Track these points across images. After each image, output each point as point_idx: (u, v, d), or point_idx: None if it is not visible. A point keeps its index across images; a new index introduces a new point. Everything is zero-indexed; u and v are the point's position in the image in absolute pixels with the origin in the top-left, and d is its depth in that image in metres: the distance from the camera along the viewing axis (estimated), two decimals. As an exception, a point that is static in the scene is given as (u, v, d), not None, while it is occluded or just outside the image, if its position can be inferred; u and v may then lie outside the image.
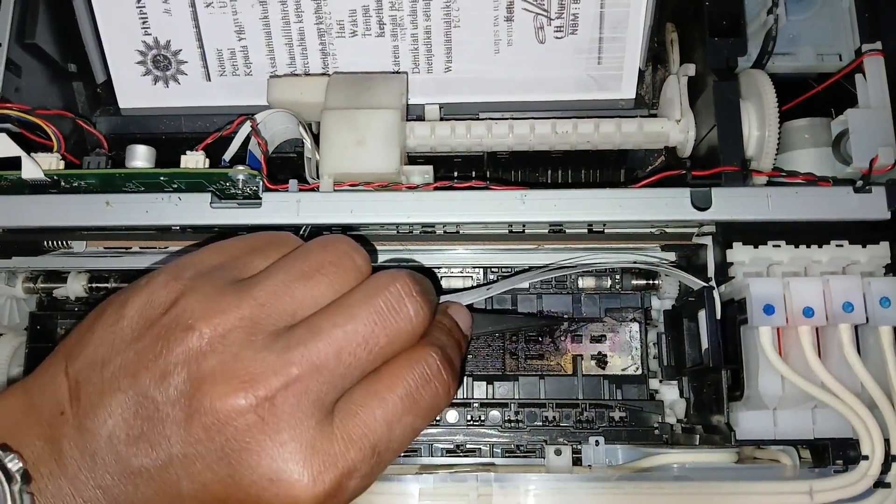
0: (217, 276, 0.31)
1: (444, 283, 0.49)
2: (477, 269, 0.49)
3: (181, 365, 0.28)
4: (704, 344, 0.42)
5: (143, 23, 0.48)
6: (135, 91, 0.50)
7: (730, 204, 0.41)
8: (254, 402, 0.28)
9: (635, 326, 0.49)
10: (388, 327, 0.30)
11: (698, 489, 0.39)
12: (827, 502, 0.38)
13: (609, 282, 0.49)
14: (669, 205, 0.41)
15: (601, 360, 0.49)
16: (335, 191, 0.43)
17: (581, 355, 0.49)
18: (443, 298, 0.40)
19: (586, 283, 0.49)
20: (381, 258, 0.47)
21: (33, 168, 0.41)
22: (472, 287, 0.47)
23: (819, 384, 0.39)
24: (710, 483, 0.39)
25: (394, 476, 0.40)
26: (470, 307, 0.39)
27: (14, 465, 0.28)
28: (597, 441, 0.45)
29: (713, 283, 0.42)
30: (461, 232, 0.45)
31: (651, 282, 0.49)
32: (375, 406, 0.30)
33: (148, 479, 0.28)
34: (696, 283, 0.43)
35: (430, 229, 0.45)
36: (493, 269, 0.49)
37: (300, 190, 0.42)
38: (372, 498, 0.38)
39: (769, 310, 0.39)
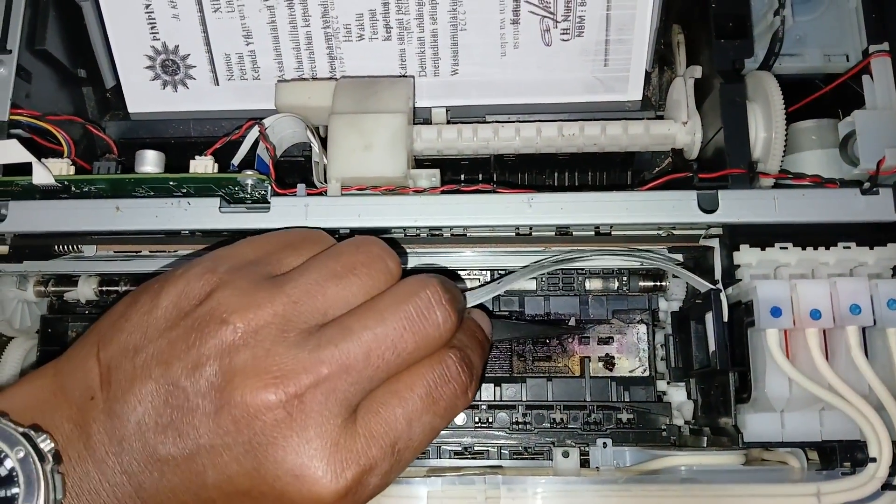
0: (252, 271, 0.32)
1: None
2: (484, 272, 0.49)
3: (213, 357, 0.29)
4: (712, 346, 0.42)
5: (152, 28, 0.48)
6: (144, 96, 0.50)
7: (736, 206, 0.41)
8: (283, 398, 0.28)
9: (643, 328, 0.49)
10: (417, 333, 0.31)
11: (706, 491, 0.39)
12: (835, 504, 0.38)
13: (616, 283, 0.49)
14: (676, 207, 0.41)
15: (609, 361, 0.49)
16: (343, 195, 0.43)
17: (588, 357, 0.49)
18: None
19: (593, 284, 0.50)
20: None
21: (44, 173, 0.41)
22: (481, 285, 0.47)
23: (826, 386, 0.38)
24: (718, 486, 0.39)
25: (402, 479, 0.40)
26: (487, 312, 0.39)
27: (46, 445, 0.28)
28: (605, 443, 0.45)
29: (720, 285, 0.42)
30: (468, 234, 0.45)
31: (658, 283, 0.49)
32: (396, 405, 0.31)
33: (174, 467, 0.29)
34: (703, 284, 0.43)
35: (437, 232, 0.45)
36: (499, 272, 0.49)
37: (308, 194, 0.42)
38: (381, 500, 0.38)
39: (776, 312, 0.39)
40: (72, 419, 0.30)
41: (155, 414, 0.29)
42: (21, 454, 0.27)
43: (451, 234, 0.45)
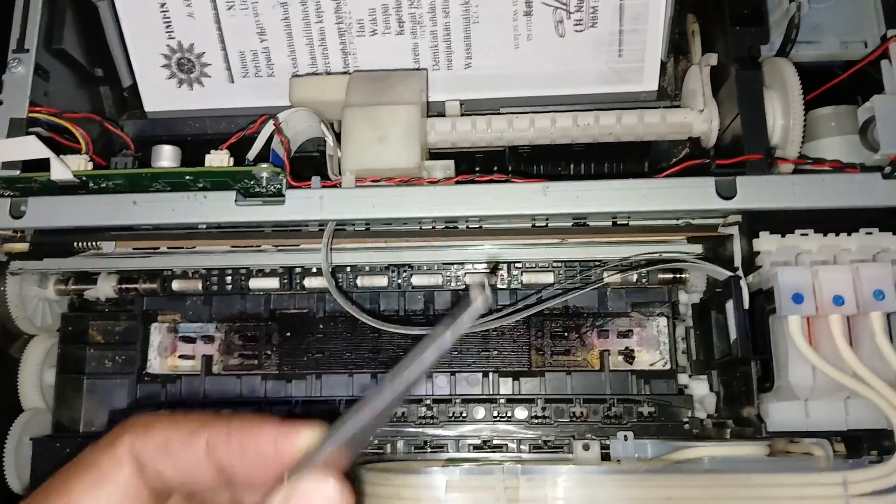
0: None
1: (468, 279, 0.48)
2: (501, 265, 0.49)
3: None
4: (733, 335, 0.41)
5: (167, 27, 0.48)
6: (160, 94, 0.51)
7: (755, 192, 0.40)
8: None
9: (663, 321, 0.49)
10: None
11: (729, 481, 0.39)
12: (862, 493, 0.38)
13: (635, 276, 0.49)
14: (694, 194, 0.41)
15: (628, 355, 0.49)
16: (357, 186, 0.43)
17: (608, 350, 0.49)
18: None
19: (612, 277, 0.49)
20: (408, 254, 0.47)
21: (62, 169, 0.42)
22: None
23: (851, 374, 0.38)
24: (742, 475, 0.39)
25: (421, 468, 0.39)
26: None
27: None
28: (625, 436, 0.45)
29: (740, 272, 0.42)
30: (483, 227, 0.45)
31: (678, 275, 0.48)
32: None
33: None
34: (721, 273, 0.42)
35: (452, 224, 0.45)
36: (516, 265, 0.49)
37: (323, 186, 0.42)
38: (399, 490, 0.38)
39: (798, 299, 0.38)
40: None
41: None
42: None
43: (467, 227, 0.45)
